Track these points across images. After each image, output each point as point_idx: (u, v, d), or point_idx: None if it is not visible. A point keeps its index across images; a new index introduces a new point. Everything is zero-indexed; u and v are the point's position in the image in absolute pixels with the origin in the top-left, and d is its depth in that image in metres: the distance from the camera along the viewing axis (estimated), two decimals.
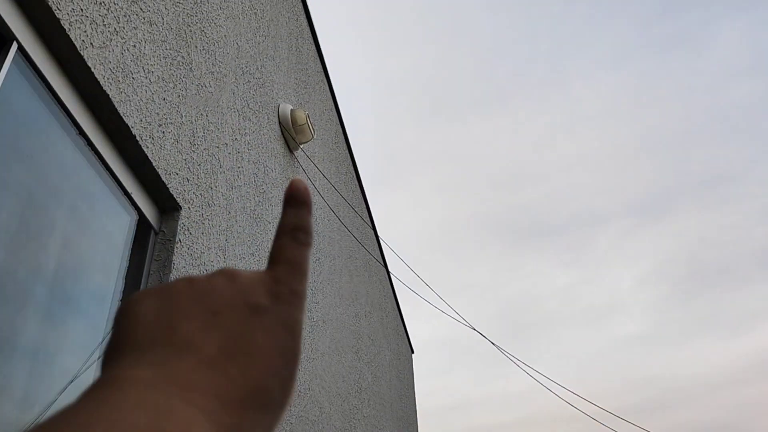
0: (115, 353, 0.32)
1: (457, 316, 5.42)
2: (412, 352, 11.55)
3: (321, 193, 5.91)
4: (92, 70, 2.32)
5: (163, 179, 2.79)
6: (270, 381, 0.32)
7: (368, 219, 8.90)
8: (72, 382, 2.30)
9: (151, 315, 0.33)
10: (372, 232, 8.96)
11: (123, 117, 2.50)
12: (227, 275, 0.36)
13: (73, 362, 2.33)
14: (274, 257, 0.38)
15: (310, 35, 6.30)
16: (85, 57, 2.27)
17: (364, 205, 8.70)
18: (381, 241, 9.43)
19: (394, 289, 10.24)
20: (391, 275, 9.68)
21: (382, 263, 9.29)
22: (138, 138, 2.60)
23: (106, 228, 2.60)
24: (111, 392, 0.28)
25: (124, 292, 2.66)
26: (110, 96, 2.42)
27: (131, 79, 2.60)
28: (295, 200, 0.40)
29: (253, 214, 3.93)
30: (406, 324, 11.29)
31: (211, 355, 0.31)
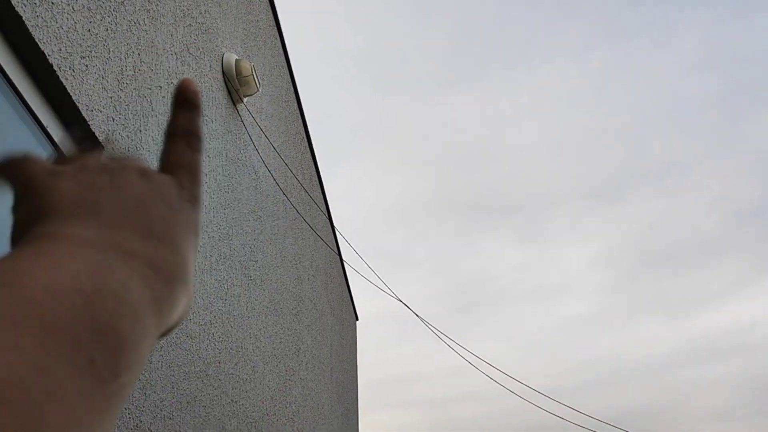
0: (36, 218, 0.32)
1: (388, 290, 5.39)
2: (357, 319, 11.56)
3: (265, 152, 5.77)
4: None
5: (84, 115, 2.63)
6: (189, 269, 0.34)
7: (317, 183, 8.78)
8: None
9: (70, 190, 0.33)
10: (321, 197, 8.85)
11: (38, 43, 2.33)
12: (140, 172, 0.36)
13: None
14: (172, 161, 0.39)
15: None
16: None
17: (314, 169, 8.57)
18: (328, 209, 9.33)
19: (341, 255, 10.19)
20: (329, 243, 9.62)
21: (331, 238, 9.21)
22: (56, 68, 2.44)
23: None
24: (49, 244, 0.28)
25: None
26: (24, 19, 2.25)
27: (50, 3, 2.42)
28: (188, 102, 0.41)
29: None
30: (354, 293, 11.29)
31: (143, 231, 0.32)
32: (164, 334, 0.34)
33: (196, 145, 0.40)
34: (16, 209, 0.35)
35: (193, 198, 0.38)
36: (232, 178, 4.62)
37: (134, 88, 3.11)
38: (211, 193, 4.17)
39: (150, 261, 0.31)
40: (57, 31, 2.45)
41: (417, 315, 5.04)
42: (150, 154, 3.24)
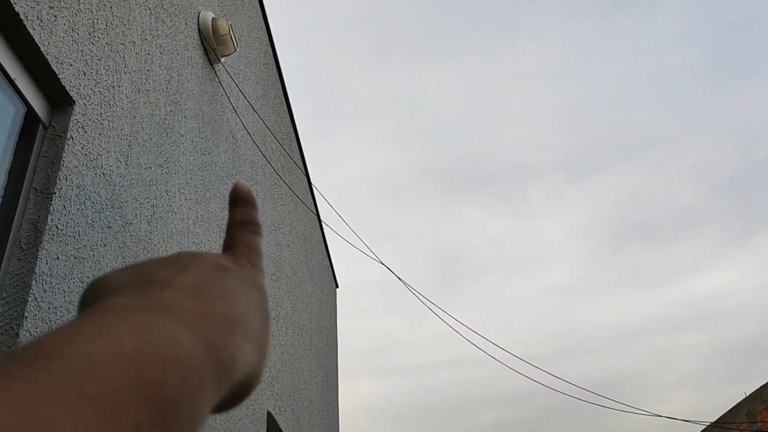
0: (91, 302, 0.32)
1: (370, 252, 5.37)
2: (337, 286, 11.57)
3: (243, 115, 5.67)
4: None
5: (54, 68, 2.55)
6: (250, 318, 0.33)
7: (297, 150, 8.69)
8: None
9: (122, 276, 0.33)
10: (301, 163, 8.77)
11: None
12: (190, 252, 0.37)
13: None
14: (231, 243, 0.41)
15: None
16: None
17: (294, 135, 8.48)
18: (308, 175, 9.25)
19: (321, 223, 10.15)
20: (311, 207, 9.57)
21: (311, 204, 9.15)
22: (22, 17, 2.34)
23: None
24: (95, 314, 0.28)
25: (5, 188, 2.45)
26: None
27: None
28: (242, 201, 0.43)
29: (163, 123, 3.70)
30: (334, 261, 11.28)
31: (191, 288, 0.32)
32: (239, 393, 0.33)
33: (255, 229, 0.42)
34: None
35: (252, 264, 0.39)
36: (208, 140, 4.55)
37: (106, 43, 3.02)
38: (188, 155, 4.09)
39: (202, 312, 0.31)
40: None
41: (399, 278, 5.03)
42: (123, 111, 3.16)
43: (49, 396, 0.22)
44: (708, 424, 7.40)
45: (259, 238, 0.42)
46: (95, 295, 0.32)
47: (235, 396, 0.33)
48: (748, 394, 6.86)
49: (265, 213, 6.35)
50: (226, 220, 5.01)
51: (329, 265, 11.07)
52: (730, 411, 7.21)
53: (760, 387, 6.48)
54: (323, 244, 10.46)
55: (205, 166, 4.43)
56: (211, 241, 4.47)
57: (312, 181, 9.45)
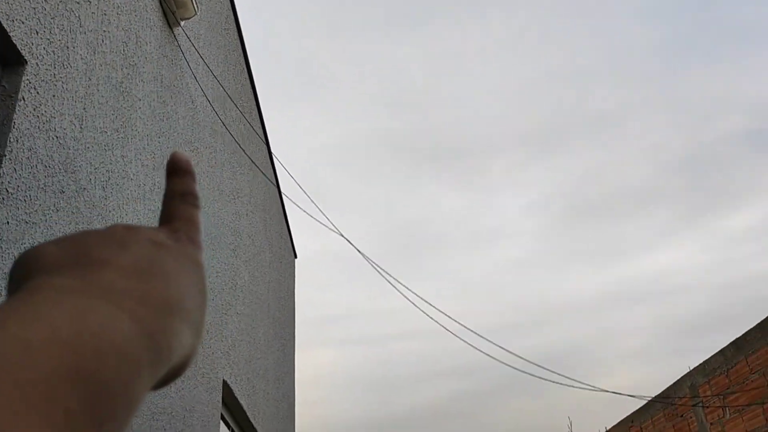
0: (23, 280, 0.31)
1: (331, 226, 5.37)
2: (295, 257, 11.55)
3: (203, 80, 5.56)
4: None
5: (4, 25, 2.45)
6: (187, 299, 0.33)
7: (257, 118, 8.58)
8: None
9: (56, 250, 0.32)
10: (262, 131, 8.67)
11: None
12: (125, 226, 0.36)
13: None
14: (168, 216, 0.39)
15: None
16: None
17: (254, 102, 8.36)
18: (268, 144, 9.15)
19: (281, 193, 10.08)
20: (269, 178, 9.49)
21: (271, 174, 9.06)
22: None
23: None
24: (28, 296, 0.27)
25: None
26: None
27: None
28: (181, 170, 0.42)
29: (120, 86, 3.61)
30: (293, 232, 11.23)
31: (129, 268, 0.31)
32: (173, 374, 0.33)
33: (193, 201, 0.41)
34: (10, 287, 0.33)
35: (190, 239, 0.38)
36: (167, 105, 4.45)
37: (59, 1, 2.91)
38: (145, 120, 4.01)
39: (139, 295, 0.30)
40: None
41: (358, 250, 5.05)
42: (78, 73, 3.07)
43: None
44: (652, 397, 7.70)
45: (198, 210, 0.41)
46: (28, 270, 0.31)
47: (168, 376, 0.33)
48: (691, 369, 7.14)
49: (223, 182, 6.27)
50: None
51: (288, 235, 11.04)
52: (673, 385, 7.50)
53: (703, 362, 6.75)
54: (282, 214, 10.41)
55: (164, 132, 4.35)
56: None
57: (272, 150, 9.36)
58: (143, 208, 3.91)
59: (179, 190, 0.41)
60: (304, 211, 7.49)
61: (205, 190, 5.50)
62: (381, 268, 5.43)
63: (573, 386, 5.04)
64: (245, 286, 7.13)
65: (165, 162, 4.36)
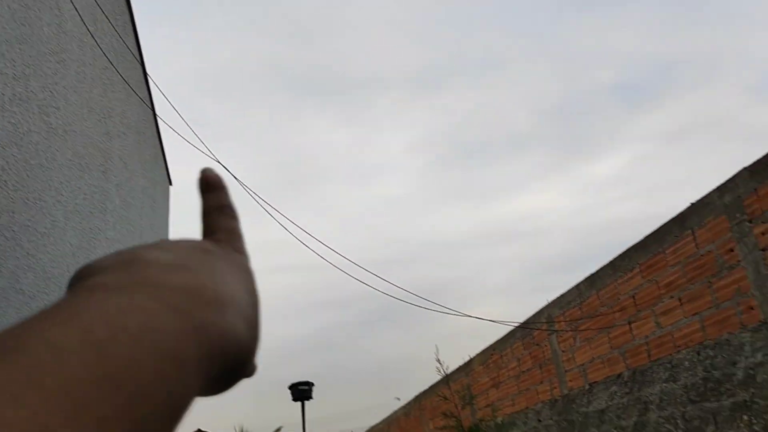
0: (76, 283, 0.30)
1: (208, 152, 5.19)
2: (171, 184, 11.12)
3: None
4: None
5: None
6: (238, 295, 0.32)
7: (132, 34, 8.02)
8: None
9: (108, 258, 0.32)
10: (136, 49, 8.12)
11: None
12: (169, 240, 0.36)
13: None
14: (209, 230, 0.40)
15: None
16: None
17: (129, 16, 7.80)
18: (143, 62, 8.62)
19: (156, 116, 9.58)
20: (143, 99, 9.02)
21: (145, 94, 8.56)
22: None
23: None
24: (72, 298, 0.26)
25: None
26: None
27: None
28: (213, 186, 0.42)
29: None
30: (169, 158, 10.75)
31: (176, 265, 0.31)
32: (236, 373, 0.32)
33: (231, 213, 0.41)
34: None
35: (235, 248, 0.38)
36: (29, 9, 4.07)
37: None
38: (3, 24, 3.64)
39: (186, 289, 0.29)
40: None
41: (233, 175, 4.93)
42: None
43: (9, 396, 0.21)
44: (512, 325, 8.29)
45: (238, 222, 0.42)
46: (81, 277, 0.30)
47: (231, 376, 0.32)
48: (549, 301, 7.74)
49: (93, 99, 5.87)
50: (48, 102, 4.58)
51: (163, 161, 10.58)
52: (533, 315, 8.10)
53: (559, 296, 7.33)
54: (157, 138, 9.94)
55: (25, 39, 3.98)
56: (29, 123, 4.08)
57: (147, 70, 8.82)
58: (2, 120, 3.60)
59: (216, 204, 0.41)
60: (180, 135, 7.19)
61: (72, 106, 5.12)
62: (258, 196, 5.36)
63: (443, 312, 5.32)
64: (116, 211, 6.82)
65: (28, 71, 4.02)
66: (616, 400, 5.88)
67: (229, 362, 0.30)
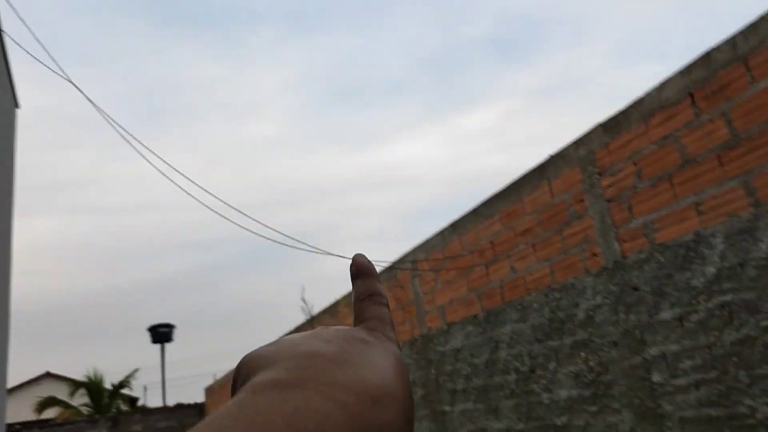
0: (244, 379, 0.32)
1: (60, 73, 4.70)
2: (17, 106, 10.12)
3: None
4: None
5: None
6: (397, 389, 0.32)
7: None
8: None
9: (270, 349, 0.34)
10: None
11: None
12: (326, 328, 0.38)
13: None
14: (361, 317, 0.42)
15: None
16: None
17: None
18: None
19: (0, 29, 8.60)
20: None
21: None
22: None
23: None
24: (247, 396, 0.28)
25: None
26: None
27: None
28: (363, 272, 0.45)
29: None
30: (17, 79, 9.73)
31: (339, 360, 0.32)
32: None
33: (380, 300, 0.43)
34: (233, 390, 0.34)
35: (387, 337, 0.39)
36: None
37: None
38: None
39: (352, 385, 0.30)
40: None
41: (90, 100, 4.48)
42: None
43: None
44: (381, 268, 8.46)
45: (387, 309, 0.43)
46: (248, 372, 0.33)
47: None
48: (414, 247, 7.94)
49: None
50: None
51: (8, 80, 9.59)
52: (399, 259, 8.30)
53: (424, 240, 7.54)
54: (2, 54, 8.97)
55: None
56: None
57: None
58: None
59: (367, 291, 0.43)
60: (29, 53, 6.50)
61: None
62: (119, 126, 4.95)
63: (311, 251, 5.28)
64: None
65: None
66: (471, 339, 6.19)
67: None
